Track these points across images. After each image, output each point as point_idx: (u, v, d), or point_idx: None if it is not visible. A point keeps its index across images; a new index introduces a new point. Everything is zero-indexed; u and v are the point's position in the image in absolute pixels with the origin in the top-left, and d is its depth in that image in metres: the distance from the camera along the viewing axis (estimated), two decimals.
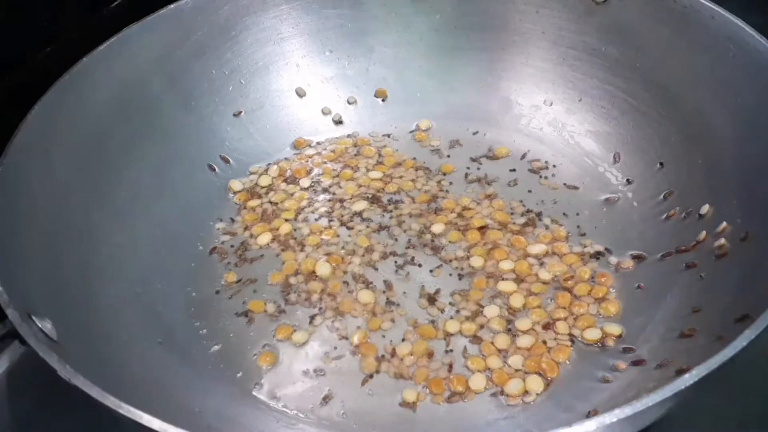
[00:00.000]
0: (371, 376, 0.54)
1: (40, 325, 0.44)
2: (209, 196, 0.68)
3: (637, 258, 0.60)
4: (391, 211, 0.66)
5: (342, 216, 0.66)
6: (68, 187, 0.56)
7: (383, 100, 0.75)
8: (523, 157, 0.70)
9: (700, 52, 0.61)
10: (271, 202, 0.68)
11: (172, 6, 0.66)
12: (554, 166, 0.69)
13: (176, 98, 0.67)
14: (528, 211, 0.65)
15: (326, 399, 0.53)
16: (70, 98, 0.59)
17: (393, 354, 0.55)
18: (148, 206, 0.62)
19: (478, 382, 0.53)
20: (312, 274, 0.61)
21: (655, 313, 0.55)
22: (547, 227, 0.64)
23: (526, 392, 0.53)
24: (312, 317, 0.58)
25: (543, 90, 0.72)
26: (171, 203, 0.64)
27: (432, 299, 0.59)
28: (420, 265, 0.62)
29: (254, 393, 0.54)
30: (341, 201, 0.68)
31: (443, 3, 0.72)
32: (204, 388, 0.53)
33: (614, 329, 0.55)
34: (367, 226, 0.65)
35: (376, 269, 0.62)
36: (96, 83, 0.61)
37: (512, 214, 0.65)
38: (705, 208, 0.58)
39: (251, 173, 0.71)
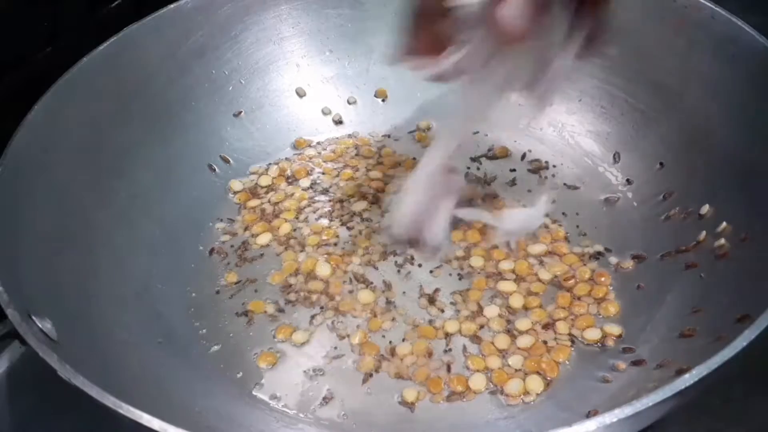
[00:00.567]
0: (371, 375, 0.54)
1: (40, 325, 0.44)
2: (209, 196, 0.68)
3: (637, 258, 0.60)
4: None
5: (342, 216, 0.66)
6: (68, 187, 0.57)
7: (383, 100, 0.75)
8: (523, 157, 0.70)
9: (700, 52, 0.61)
10: (271, 202, 0.68)
11: (172, 6, 0.66)
12: (554, 166, 0.69)
13: (176, 98, 0.67)
14: None
15: (326, 399, 0.53)
16: (70, 98, 0.59)
17: (393, 354, 0.55)
18: (148, 206, 0.62)
19: (477, 382, 0.53)
20: (312, 274, 0.61)
21: (655, 313, 0.55)
22: (546, 227, 0.64)
23: (526, 392, 0.53)
24: (312, 317, 0.58)
25: None
26: (171, 203, 0.64)
27: (432, 299, 0.59)
28: (420, 265, 0.62)
29: (254, 393, 0.54)
30: (341, 201, 0.68)
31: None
32: (204, 388, 0.53)
33: (614, 329, 0.55)
34: (367, 226, 0.65)
35: (377, 269, 0.62)
36: (96, 83, 0.61)
37: None
38: (705, 208, 0.58)
39: (251, 173, 0.71)
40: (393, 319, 0.58)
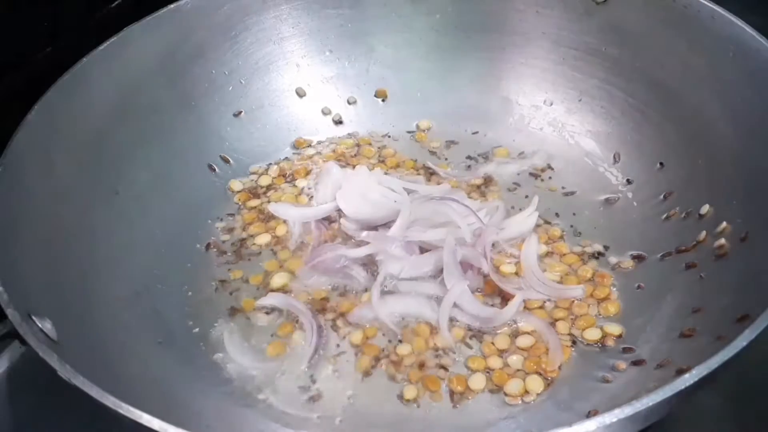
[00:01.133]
0: (369, 374, 0.54)
1: (40, 325, 0.44)
2: (209, 196, 0.68)
3: (637, 258, 0.60)
4: None
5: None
6: (68, 187, 0.56)
7: (383, 100, 0.75)
8: (520, 154, 0.70)
9: (700, 52, 0.61)
10: (271, 202, 0.68)
11: (172, 6, 0.66)
12: (554, 166, 0.69)
13: (176, 98, 0.67)
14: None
15: (326, 399, 0.53)
16: (70, 98, 0.59)
17: (392, 353, 0.55)
18: (148, 206, 0.62)
19: (478, 382, 0.53)
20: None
21: (655, 313, 0.55)
22: (545, 224, 0.64)
23: (526, 392, 0.53)
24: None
25: (543, 90, 0.72)
26: (171, 203, 0.64)
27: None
28: None
29: (253, 393, 0.54)
30: None
31: (443, 3, 0.72)
32: (203, 388, 0.53)
33: (614, 329, 0.55)
34: None
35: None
36: (96, 83, 0.61)
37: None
38: (705, 208, 0.58)
39: (251, 173, 0.71)
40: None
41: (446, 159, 0.71)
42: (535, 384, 0.53)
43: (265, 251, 0.64)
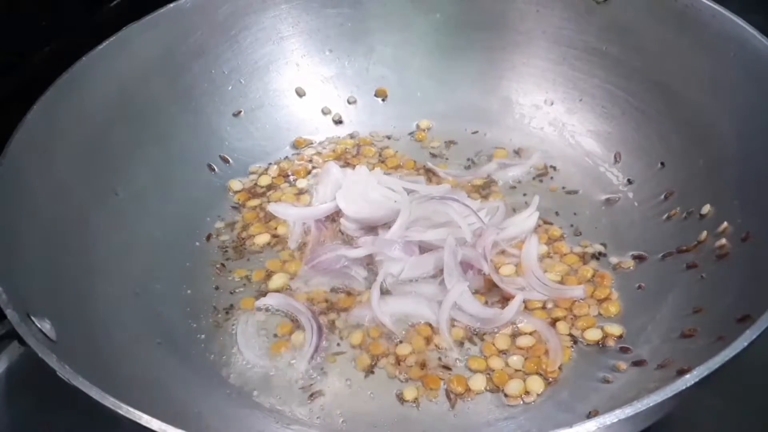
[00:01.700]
0: (370, 374, 0.54)
1: (39, 326, 0.44)
2: (209, 195, 0.68)
3: (638, 258, 0.60)
4: None
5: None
6: (68, 187, 0.56)
7: (383, 100, 0.75)
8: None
9: (700, 52, 0.61)
10: (271, 202, 0.68)
11: (171, 6, 0.66)
12: (554, 166, 0.69)
13: (176, 98, 0.67)
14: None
15: (326, 399, 0.53)
16: (70, 98, 0.59)
17: (392, 353, 0.55)
18: (147, 206, 0.62)
19: (478, 382, 0.53)
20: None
21: (655, 313, 0.55)
22: (545, 224, 0.64)
23: (526, 393, 0.53)
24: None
25: (543, 90, 0.72)
26: (171, 203, 0.64)
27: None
28: None
29: (253, 393, 0.54)
30: None
31: (443, 2, 0.72)
32: (203, 388, 0.53)
33: (615, 329, 0.55)
34: None
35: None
36: (96, 83, 0.61)
37: None
38: (706, 208, 0.58)
39: (251, 173, 0.70)
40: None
41: (446, 159, 0.71)
42: (536, 384, 0.53)
43: (265, 251, 0.64)
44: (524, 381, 0.53)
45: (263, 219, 0.66)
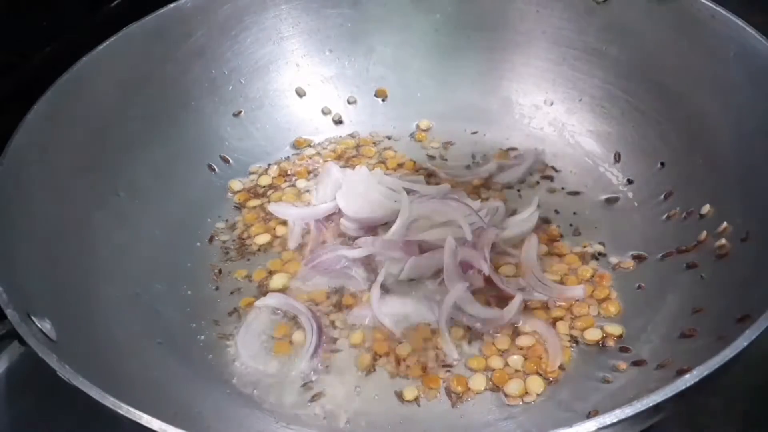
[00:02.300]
0: (369, 374, 0.54)
1: (39, 326, 0.44)
2: (209, 195, 0.68)
3: (638, 258, 0.60)
4: None
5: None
6: (68, 187, 0.56)
7: (383, 100, 0.75)
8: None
9: (700, 52, 0.61)
10: (271, 202, 0.68)
11: (172, 6, 0.66)
12: (554, 166, 0.69)
13: (176, 98, 0.67)
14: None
15: (326, 399, 0.53)
16: (70, 98, 0.59)
17: (392, 353, 0.55)
18: (147, 206, 0.62)
19: (478, 382, 0.53)
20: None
21: (655, 313, 0.55)
22: (545, 224, 0.64)
23: (526, 392, 0.53)
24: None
25: (543, 90, 0.72)
26: (171, 203, 0.64)
27: None
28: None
29: (253, 393, 0.54)
30: None
31: (443, 2, 0.72)
32: (203, 388, 0.53)
33: (615, 329, 0.55)
34: None
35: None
36: (96, 83, 0.61)
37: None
38: (706, 208, 0.58)
39: (251, 173, 0.70)
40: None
41: (446, 159, 0.71)
42: (536, 384, 0.53)
43: (266, 251, 0.64)
44: (524, 381, 0.53)
45: (263, 219, 0.66)
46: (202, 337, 0.57)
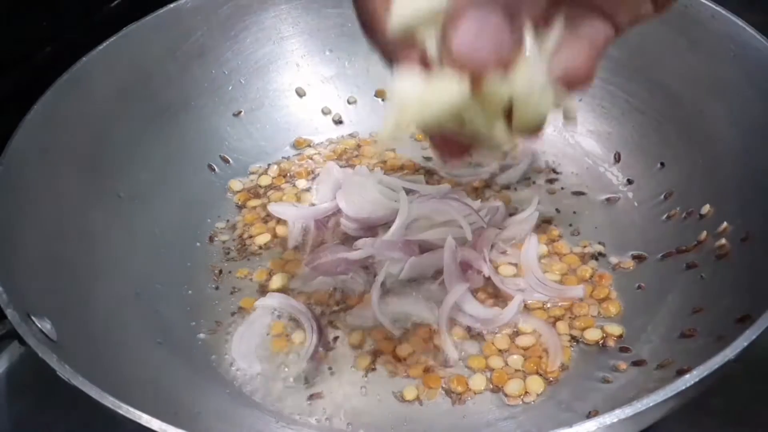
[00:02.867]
0: (369, 374, 0.54)
1: (39, 326, 0.44)
2: (209, 195, 0.68)
3: (638, 258, 0.60)
4: None
5: None
6: (68, 187, 0.56)
7: (383, 100, 0.75)
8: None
9: (700, 52, 0.61)
10: (271, 202, 0.68)
11: (171, 6, 0.66)
12: (554, 166, 0.69)
13: (176, 98, 0.67)
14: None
15: (326, 399, 0.53)
16: (70, 98, 0.59)
17: (392, 353, 0.55)
18: (147, 206, 0.62)
19: (478, 381, 0.53)
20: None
21: (655, 313, 0.55)
22: (545, 224, 0.64)
23: (526, 392, 0.53)
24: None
25: None
26: (171, 203, 0.64)
27: None
28: None
29: (253, 393, 0.54)
30: None
31: None
32: (203, 388, 0.53)
33: (615, 329, 0.55)
34: None
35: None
36: (96, 83, 0.61)
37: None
38: (706, 208, 0.58)
39: (251, 173, 0.70)
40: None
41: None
42: (536, 384, 0.53)
43: (266, 251, 0.64)
44: (524, 381, 0.53)
45: (264, 219, 0.66)
46: (203, 336, 0.57)
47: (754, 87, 0.56)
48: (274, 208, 0.66)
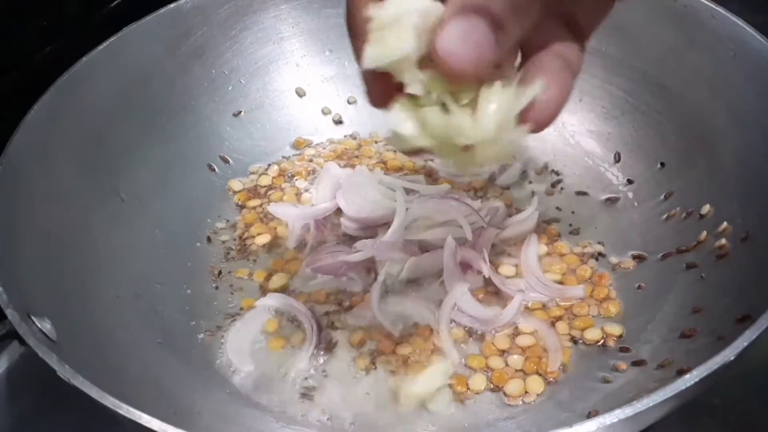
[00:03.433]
0: (369, 374, 0.54)
1: (39, 326, 0.44)
2: (209, 196, 0.68)
3: (638, 258, 0.60)
4: None
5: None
6: (68, 187, 0.56)
7: None
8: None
9: (700, 52, 0.61)
10: (271, 202, 0.68)
11: (171, 6, 0.66)
12: (554, 166, 0.69)
13: (176, 98, 0.67)
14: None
15: (325, 398, 0.53)
16: (70, 98, 0.59)
17: (392, 353, 0.55)
18: (147, 206, 0.62)
19: (478, 382, 0.53)
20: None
21: (655, 313, 0.55)
22: (545, 224, 0.64)
23: (526, 392, 0.53)
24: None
25: None
26: (171, 203, 0.64)
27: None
28: None
29: (253, 393, 0.54)
30: None
31: None
32: (203, 388, 0.53)
33: (615, 329, 0.55)
34: None
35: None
36: (96, 83, 0.61)
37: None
38: (706, 208, 0.58)
39: (251, 173, 0.70)
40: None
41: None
42: (536, 384, 0.53)
43: (266, 251, 0.64)
44: (524, 381, 0.53)
45: (264, 219, 0.66)
46: (203, 336, 0.57)
47: (754, 87, 0.56)
48: (274, 208, 0.66)
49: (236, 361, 0.55)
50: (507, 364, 0.54)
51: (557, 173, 0.69)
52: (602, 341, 0.55)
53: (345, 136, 0.74)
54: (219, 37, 0.69)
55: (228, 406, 0.52)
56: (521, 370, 0.54)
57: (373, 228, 0.62)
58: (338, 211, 0.64)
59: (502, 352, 0.55)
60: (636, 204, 0.64)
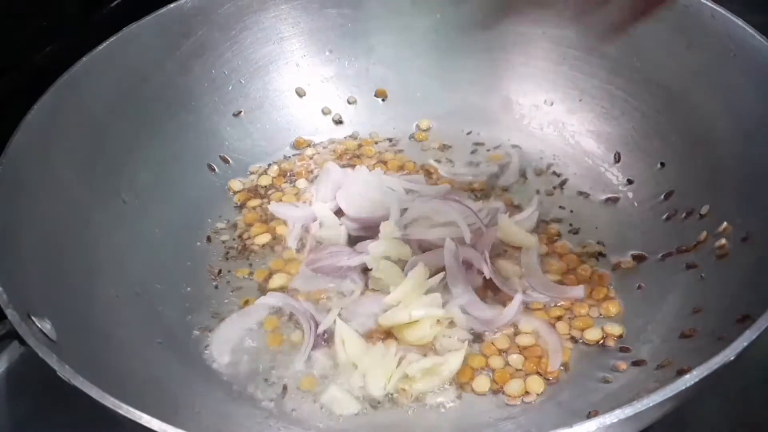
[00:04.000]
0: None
1: (39, 326, 0.44)
2: (209, 195, 0.68)
3: (638, 258, 0.60)
4: None
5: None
6: (68, 187, 0.56)
7: (383, 100, 0.75)
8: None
9: (700, 52, 0.61)
10: (271, 202, 0.68)
11: (172, 6, 0.66)
12: (554, 167, 0.69)
13: (176, 98, 0.67)
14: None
15: (325, 398, 0.53)
16: (70, 98, 0.59)
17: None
18: (147, 206, 0.62)
19: (479, 382, 0.53)
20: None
21: (655, 313, 0.55)
22: (545, 224, 0.64)
23: (526, 392, 0.53)
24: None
25: (543, 90, 0.72)
26: (171, 203, 0.64)
27: None
28: None
29: (253, 393, 0.54)
30: None
31: (443, 2, 0.72)
32: (203, 388, 0.53)
33: (615, 329, 0.55)
34: None
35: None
36: (96, 83, 0.61)
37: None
38: (706, 209, 0.58)
39: (251, 173, 0.70)
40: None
41: (447, 159, 0.71)
42: (536, 384, 0.53)
43: (266, 251, 0.64)
44: (524, 381, 0.53)
45: (264, 219, 0.66)
46: (202, 335, 0.57)
47: (754, 87, 0.56)
48: (275, 209, 0.66)
49: (215, 352, 0.55)
50: (507, 364, 0.54)
51: (557, 173, 0.69)
52: (602, 341, 0.55)
53: (345, 136, 0.74)
54: (219, 37, 0.69)
55: (228, 406, 0.52)
56: (521, 370, 0.54)
57: (373, 228, 0.62)
58: (338, 211, 0.64)
59: (502, 352, 0.55)
60: (636, 204, 0.64)
